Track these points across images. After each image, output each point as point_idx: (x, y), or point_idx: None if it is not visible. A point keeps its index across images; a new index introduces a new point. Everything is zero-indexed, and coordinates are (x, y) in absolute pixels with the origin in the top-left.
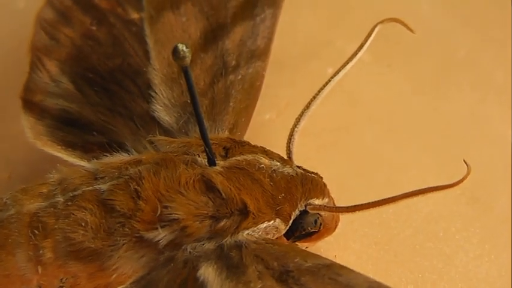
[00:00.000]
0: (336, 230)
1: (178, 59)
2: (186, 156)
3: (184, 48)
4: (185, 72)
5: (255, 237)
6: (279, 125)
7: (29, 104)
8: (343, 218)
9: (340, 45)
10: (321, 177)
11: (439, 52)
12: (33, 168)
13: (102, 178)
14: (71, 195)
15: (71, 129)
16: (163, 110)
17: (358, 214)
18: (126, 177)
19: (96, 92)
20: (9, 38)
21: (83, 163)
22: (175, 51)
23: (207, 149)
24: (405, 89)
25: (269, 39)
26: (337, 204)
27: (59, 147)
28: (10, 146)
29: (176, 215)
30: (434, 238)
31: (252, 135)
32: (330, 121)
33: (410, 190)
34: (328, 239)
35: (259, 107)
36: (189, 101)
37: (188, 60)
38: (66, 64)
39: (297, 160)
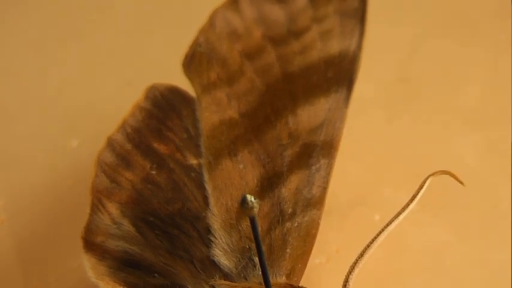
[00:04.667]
0: None
1: (247, 210)
2: None
3: (252, 199)
4: (252, 221)
5: None
6: (329, 270)
7: (90, 245)
8: None
9: (387, 193)
10: None
11: (483, 202)
12: None
13: None
14: None
15: (132, 270)
16: (222, 255)
17: None
18: None
19: (156, 235)
20: (63, 176)
21: None
22: (243, 202)
23: None
24: (451, 239)
25: (324, 189)
26: None
27: None
28: (65, 283)
29: None
30: None
31: (302, 279)
32: (377, 268)
33: None
34: None
35: None
36: (247, 247)
37: (256, 210)
38: (127, 207)
39: None
